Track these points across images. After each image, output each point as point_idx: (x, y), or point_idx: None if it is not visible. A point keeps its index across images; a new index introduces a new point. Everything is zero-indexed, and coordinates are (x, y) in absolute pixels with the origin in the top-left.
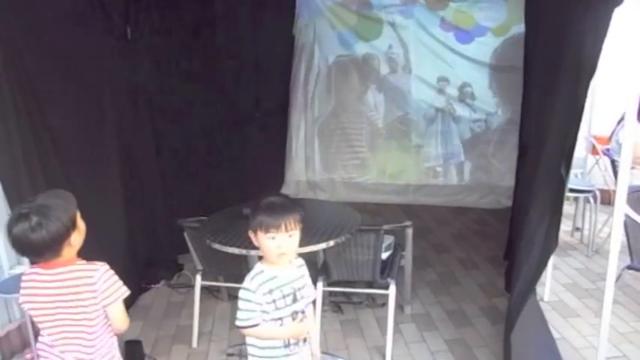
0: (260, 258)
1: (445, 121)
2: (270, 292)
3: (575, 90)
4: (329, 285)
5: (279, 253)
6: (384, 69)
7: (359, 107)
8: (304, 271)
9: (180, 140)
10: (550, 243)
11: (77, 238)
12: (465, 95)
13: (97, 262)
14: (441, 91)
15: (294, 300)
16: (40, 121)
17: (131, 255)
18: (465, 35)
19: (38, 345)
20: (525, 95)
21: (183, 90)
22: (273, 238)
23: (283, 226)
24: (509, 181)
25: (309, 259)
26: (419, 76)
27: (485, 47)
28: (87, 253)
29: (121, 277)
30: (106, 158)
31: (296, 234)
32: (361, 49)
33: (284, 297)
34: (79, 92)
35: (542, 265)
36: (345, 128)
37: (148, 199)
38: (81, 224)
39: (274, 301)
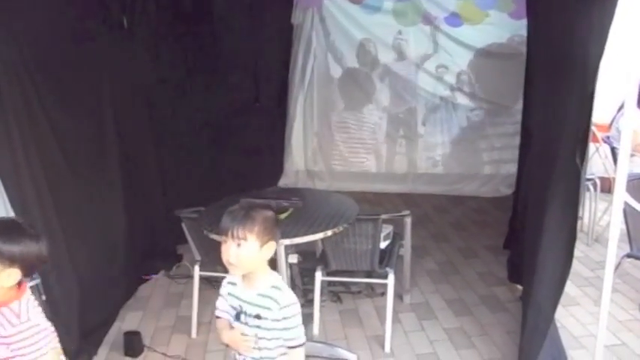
0: None
1: (445, 109)
2: (229, 294)
3: (584, 75)
4: (328, 275)
5: (226, 260)
6: (390, 56)
7: (360, 96)
8: (270, 303)
9: (179, 130)
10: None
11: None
12: (462, 83)
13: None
14: (440, 79)
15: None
16: (38, 111)
17: (130, 246)
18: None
19: None
20: (528, 82)
21: (181, 80)
22: (225, 242)
23: (230, 233)
24: (509, 169)
25: (308, 249)
26: (417, 63)
27: (481, 33)
28: (88, 245)
29: (121, 269)
30: (104, 149)
31: (247, 246)
32: (360, 35)
33: (234, 309)
34: (77, 82)
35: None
36: (345, 117)
37: (146, 190)
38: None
39: (231, 306)
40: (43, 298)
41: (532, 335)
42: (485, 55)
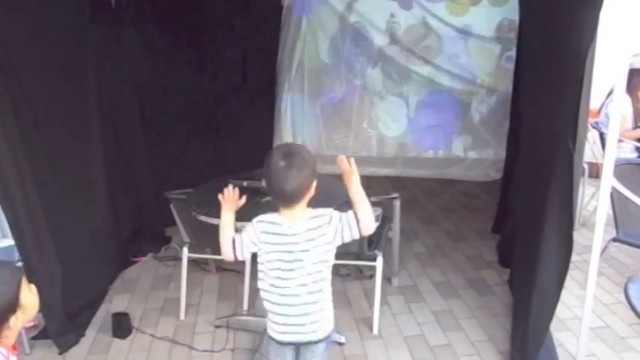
0: None
1: (436, 92)
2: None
3: (574, 60)
4: None
5: None
6: (381, 39)
7: (351, 79)
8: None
9: (167, 112)
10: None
11: (21, 318)
12: (453, 66)
13: None
14: (431, 62)
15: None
16: (17, 91)
17: (117, 229)
18: None
19: None
20: (519, 66)
21: (170, 62)
22: None
23: None
24: (498, 153)
25: None
26: (408, 47)
27: (472, 16)
28: (71, 228)
29: (107, 251)
30: (87, 131)
31: None
32: (352, 17)
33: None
34: (59, 62)
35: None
36: (334, 101)
37: (134, 172)
38: (28, 299)
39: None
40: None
41: (538, 320)
42: (477, 38)
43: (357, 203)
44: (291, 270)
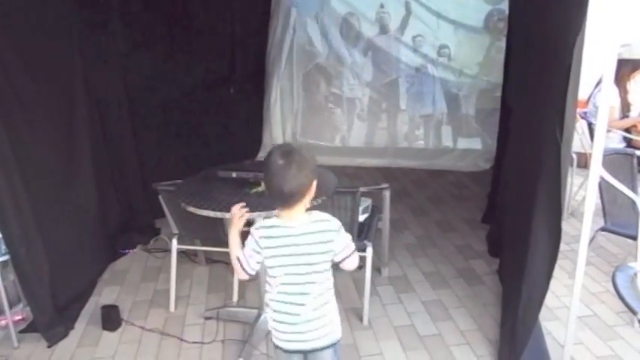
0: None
1: (426, 83)
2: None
3: (561, 50)
4: None
5: None
6: (371, 30)
7: (340, 69)
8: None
9: (155, 103)
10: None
11: None
12: (443, 56)
13: None
14: (421, 53)
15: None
16: (2, 79)
17: (105, 221)
18: None
19: None
20: (508, 57)
21: (157, 52)
22: None
23: None
24: (487, 144)
25: None
26: (398, 38)
27: (461, 7)
28: (57, 220)
29: (95, 243)
30: (74, 122)
31: None
32: (342, 8)
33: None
34: (45, 51)
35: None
36: (324, 92)
37: (123, 163)
38: None
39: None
40: (11, 277)
41: (527, 309)
42: (465, 28)
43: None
44: (296, 274)
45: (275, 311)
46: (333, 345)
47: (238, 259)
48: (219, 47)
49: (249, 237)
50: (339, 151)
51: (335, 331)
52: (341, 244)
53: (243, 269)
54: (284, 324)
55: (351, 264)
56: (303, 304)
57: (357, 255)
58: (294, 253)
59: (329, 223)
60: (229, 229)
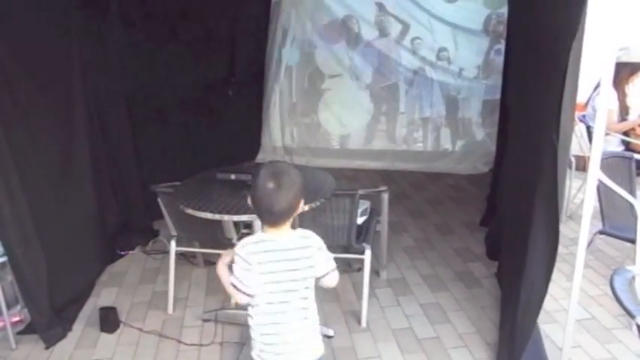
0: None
1: (424, 85)
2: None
3: (558, 53)
4: None
5: None
6: (371, 33)
7: (339, 72)
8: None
9: (154, 105)
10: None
11: None
12: (442, 59)
13: None
14: (419, 56)
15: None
16: (1, 84)
17: (103, 222)
18: None
19: None
20: (507, 59)
21: (157, 54)
22: None
23: None
24: (487, 147)
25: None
26: (398, 41)
27: (465, 12)
28: (56, 221)
29: (93, 245)
30: (72, 123)
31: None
32: (341, 11)
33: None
34: (44, 52)
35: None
36: (323, 94)
37: (122, 165)
38: None
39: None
40: (9, 278)
41: (525, 312)
42: (465, 31)
43: None
44: (284, 292)
45: (264, 334)
46: None
47: (233, 284)
48: (218, 49)
49: (236, 258)
50: (338, 153)
51: (319, 346)
52: (322, 259)
53: (241, 291)
54: (270, 345)
55: (331, 281)
56: (287, 321)
57: (337, 273)
58: (282, 268)
59: (311, 240)
60: (218, 262)
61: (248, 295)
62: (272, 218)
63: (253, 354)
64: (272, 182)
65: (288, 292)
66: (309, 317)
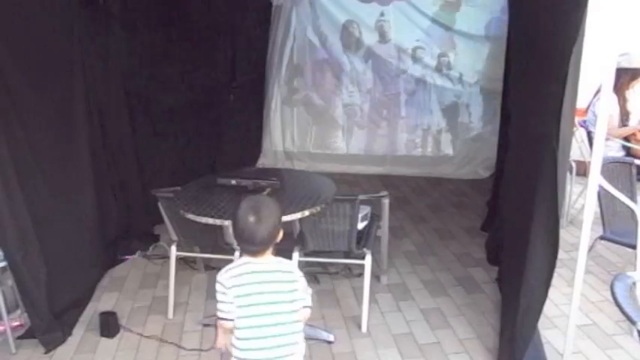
0: None
1: (425, 91)
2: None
3: (558, 59)
4: (305, 255)
5: None
6: (371, 38)
7: (341, 77)
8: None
9: (155, 109)
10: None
11: None
12: (442, 65)
13: None
14: (420, 61)
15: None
16: (2, 88)
17: (104, 227)
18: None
19: None
20: (508, 65)
21: (158, 59)
22: None
23: None
24: (487, 152)
25: (285, 230)
26: (398, 46)
27: (461, 15)
28: (56, 225)
29: (93, 249)
30: (73, 127)
31: None
32: (342, 16)
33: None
34: (45, 55)
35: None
36: (324, 99)
37: (121, 169)
38: None
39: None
40: (9, 283)
41: (525, 317)
42: (465, 37)
43: None
44: (269, 315)
45: (241, 351)
46: None
47: (219, 318)
48: (219, 54)
49: (216, 285)
50: (339, 158)
51: None
52: (303, 286)
53: (225, 319)
54: None
55: (303, 315)
56: (272, 347)
57: (309, 311)
58: (263, 290)
59: (292, 267)
60: (217, 336)
61: (228, 319)
62: (253, 248)
63: None
64: (253, 217)
65: (275, 314)
66: (298, 341)
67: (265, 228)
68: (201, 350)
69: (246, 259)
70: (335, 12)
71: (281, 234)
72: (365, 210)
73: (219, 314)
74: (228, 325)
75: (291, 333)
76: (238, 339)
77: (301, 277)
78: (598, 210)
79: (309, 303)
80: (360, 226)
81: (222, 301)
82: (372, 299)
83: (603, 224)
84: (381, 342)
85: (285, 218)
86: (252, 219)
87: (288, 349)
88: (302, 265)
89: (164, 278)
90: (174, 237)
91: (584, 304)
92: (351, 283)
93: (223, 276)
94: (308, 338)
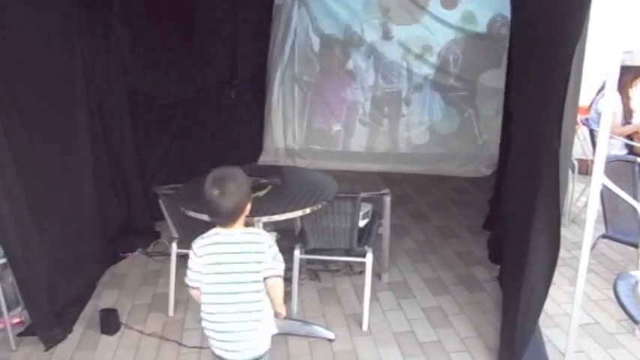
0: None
1: (427, 89)
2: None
3: (561, 58)
4: (306, 253)
5: None
6: (374, 35)
7: (342, 75)
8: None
9: (156, 106)
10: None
11: None
12: (444, 63)
13: None
14: (423, 59)
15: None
16: (2, 85)
17: (105, 224)
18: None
19: None
20: (510, 64)
21: (159, 56)
22: None
23: None
24: (489, 150)
25: (287, 227)
26: (401, 43)
27: (468, 15)
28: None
29: (94, 246)
30: (73, 124)
31: None
32: (344, 12)
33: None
34: (46, 53)
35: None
36: (326, 96)
37: (122, 167)
38: None
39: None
40: (10, 279)
41: (526, 316)
42: (468, 35)
43: None
44: (231, 283)
45: (206, 321)
46: (263, 355)
47: (187, 283)
48: (220, 51)
49: (189, 253)
50: (340, 155)
51: (265, 343)
52: (270, 255)
53: (190, 286)
54: (215, 332)
55: (274, 287)
56: (234, 312)
57: (281, 282)
58: (228, 261)
59: (262, 237)
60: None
61: (195, 287)
62: (219, 220)
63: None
64: (216, 190)
65: (236, 283)
66: (260, 311)
67: (229, 200)
68: (202, 348)
69: (217, 229)
70: (337, 8)
71: (249, 206)
72: (366, 208)
73: (187, 281)
74: (194, 292)
75: (253, 302)
76: (204, 306)
77: (271, 248)
78: (600, 208)
79: (280, 272)
80: (362, 223)
81: (190, 268)
82: (373, 297)
83: (605, 223)
84: (381, 340)
85: (287, 216)
86: (216, 192)
87: (251, 324)
88: (303, 263)
89: (165, 275)
90: (175, 234)
91: (586, 303)
92: (352, 280)
93: (197, 243)
94: (309, 336)
